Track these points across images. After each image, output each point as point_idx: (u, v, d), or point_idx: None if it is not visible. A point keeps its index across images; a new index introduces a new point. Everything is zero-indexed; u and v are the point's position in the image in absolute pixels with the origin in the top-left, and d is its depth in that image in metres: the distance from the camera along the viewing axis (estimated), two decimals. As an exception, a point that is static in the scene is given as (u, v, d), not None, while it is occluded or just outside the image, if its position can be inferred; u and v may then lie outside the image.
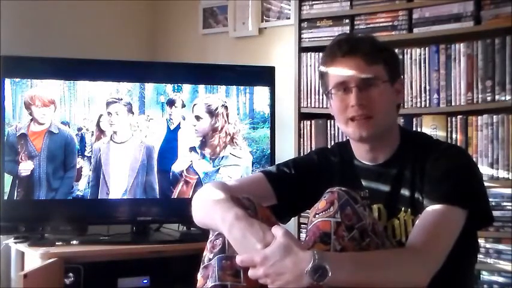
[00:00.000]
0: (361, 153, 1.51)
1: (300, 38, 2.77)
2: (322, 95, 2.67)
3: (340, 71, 1.43)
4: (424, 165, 1.42)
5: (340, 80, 1.43)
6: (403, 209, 1.43)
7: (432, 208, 1.34)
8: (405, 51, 2.56)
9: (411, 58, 2.56)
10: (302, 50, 2.76)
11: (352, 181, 1.50)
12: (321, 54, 2.64)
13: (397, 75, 1.50)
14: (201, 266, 1.32)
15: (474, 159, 2.25)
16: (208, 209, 1.35)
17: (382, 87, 1.43)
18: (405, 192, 1.44)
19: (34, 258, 2.26)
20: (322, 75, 1.50)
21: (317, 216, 1.29)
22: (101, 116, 2.54)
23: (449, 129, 2.48)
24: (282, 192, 1.54)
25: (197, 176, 2.61)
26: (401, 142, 1.49)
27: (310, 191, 1.50)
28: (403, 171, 1.45)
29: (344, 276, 1.17)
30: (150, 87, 2.59)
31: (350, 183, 1.46)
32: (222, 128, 2.63)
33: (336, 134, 2.67)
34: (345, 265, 1.18)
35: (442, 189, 1.36)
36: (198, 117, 2.62)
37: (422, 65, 2.54)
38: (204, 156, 2.62)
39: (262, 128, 2.67)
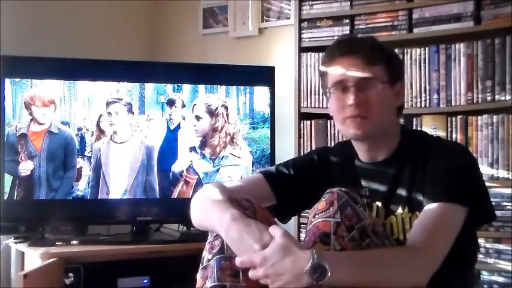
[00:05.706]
0: (361, 153, 1.52)
1: (300, 38, 2.77)
2: (322, 95, 2.67)
3: (338, 70, 1.43)
4: (425, 163, 1.41)
5: (338, 79, 1.43)
6: (400, 207, 1.43)
7: (432, 206, 1.33)
8: (405, 51, 2.56)
9: (411, 58, 2.55)
10: (302, 50, 2.76)
11: (352, 180, 1.50)
12: (321, 54, 2.70)
13: (398, 78, 1.49)
14: (200, 267, 1.32)
15: (474, 159, 2.25)
16: (205, 210, 1.35)
17: (380, 88, 1.42)
18: (403, 190, 1.44)
19: (34, 258, 2.25)
20: (322, 75, 1.50)
21: (317, 216, 1.29)
22: (101, 116, 2.54)
23: (449, 129, 2.48)
24: (280, 192, 1.54)
25: (197, 176, 2.61)
26: (401, 141, 1.49)
27: (310, 191, 1.50)
28: (402, 170, 1.45)
29: (343, 275, 1.17)
30: (150, 87, 2.59)
31: (350, 182, 1.47)
32: (222, 128, 2.63)
33: (336, 134, 2.67)
34: (344, 264, 1.18)
35: (441, 187, 1.36)
36: (198, 117, 2.62)
37: (422, 65, 2.54)
38: (204, 156, 2.62)
39: (262, 128, 2.67)
